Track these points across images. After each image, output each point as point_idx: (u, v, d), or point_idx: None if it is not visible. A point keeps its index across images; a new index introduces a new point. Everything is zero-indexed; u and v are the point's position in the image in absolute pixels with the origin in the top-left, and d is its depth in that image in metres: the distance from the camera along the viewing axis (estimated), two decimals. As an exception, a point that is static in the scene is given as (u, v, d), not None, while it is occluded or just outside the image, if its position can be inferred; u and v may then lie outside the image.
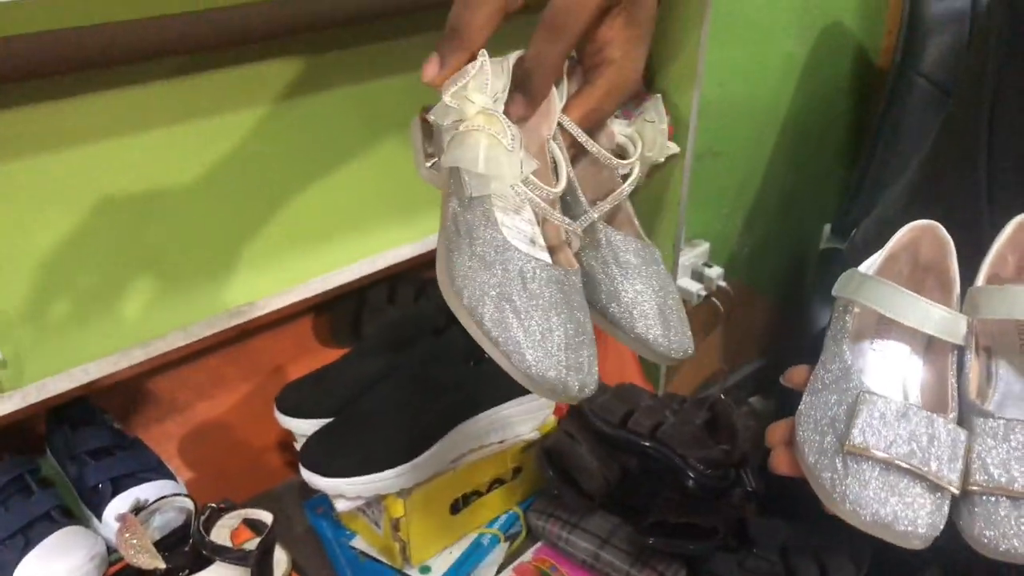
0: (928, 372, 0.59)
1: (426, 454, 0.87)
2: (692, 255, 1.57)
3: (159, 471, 0.89)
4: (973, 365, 0.54)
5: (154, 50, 0.89)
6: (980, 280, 0.57)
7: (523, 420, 0.95)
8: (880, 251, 0.61)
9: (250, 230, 0.97)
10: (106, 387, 0.96)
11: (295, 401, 0.94)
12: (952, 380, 0.54)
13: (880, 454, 0.49)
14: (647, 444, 0.89)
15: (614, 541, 0.89)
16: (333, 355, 1.03)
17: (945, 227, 0.61)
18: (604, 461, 0.91)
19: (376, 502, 0.89)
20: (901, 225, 0.62)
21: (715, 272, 1.53)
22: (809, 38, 1.74)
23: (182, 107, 0.90)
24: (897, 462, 0.48)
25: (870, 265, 0.60)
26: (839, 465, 0.50)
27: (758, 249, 1.91)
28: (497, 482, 0.96)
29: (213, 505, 0.81)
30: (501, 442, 0.94)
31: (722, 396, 0.97)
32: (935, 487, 0.47)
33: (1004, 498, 0.45)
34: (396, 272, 1.10)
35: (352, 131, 1.03)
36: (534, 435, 0.96)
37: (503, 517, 0.97)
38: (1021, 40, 0.71)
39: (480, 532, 0.95)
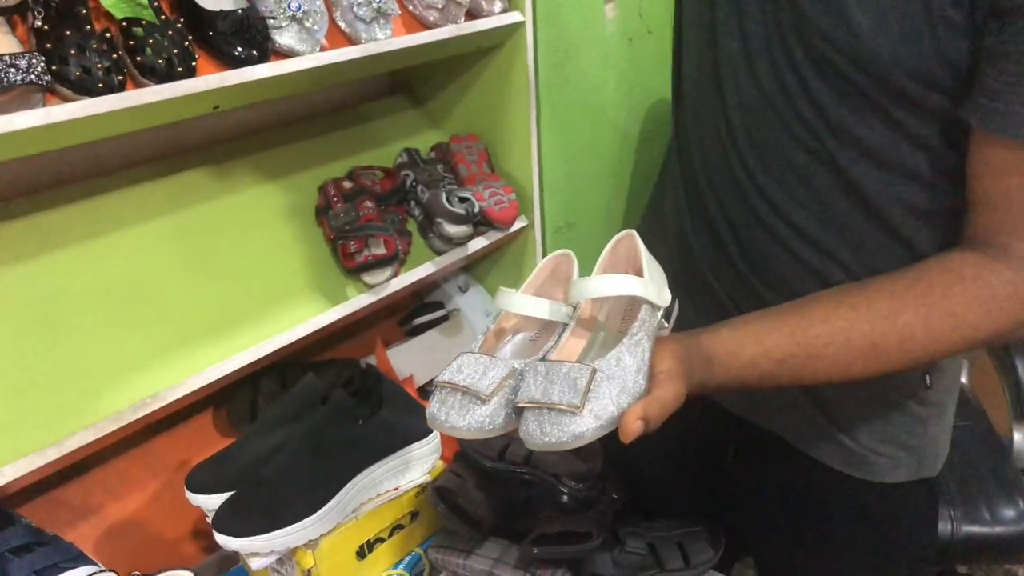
0: (542, 344, 0.79)
1: (327, 506, 0.96)
2: (561, 316, 1.72)
3: (80, 560, 0.95)
4: (568, 336, 0.75)
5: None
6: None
7: (413, 466, 1.06)
8: (532, 274, 0.81)
9: (146, 331, 1.07)
10: (19, 492, 1.02)
11: (202, 479, 1.02)
12: (548, 345, 0.75)
13: (445, 381, 0.70)
14: (522, 471, 1.01)
15: (505, 559, 1.00)
16: (234, 443, 1.12)
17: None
18: (489, 492, 1.03)
19: (288, 558, 0.98)
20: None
21: (582, 328, 1.68)
22: (639, 114, 1.95)
23: (75, 232, 1.03)
24: (455, 384, 0.70)
25: (526, 286, 0.81)
26: (434, 396, 0.71)
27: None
28: (397, 527, 1.06)
29: (138, 573, 0.88)
30: (396, 489, 1.05)
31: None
32: (478, 399, 0.69)
33: (529, 408, 0.66)
34: (286, 356, 1.20)
35: (235, 236, 1.15)
36: (426, 479, 1.07)
37: (407, 558, 1.07)
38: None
39: (387, 574, 1.04)
